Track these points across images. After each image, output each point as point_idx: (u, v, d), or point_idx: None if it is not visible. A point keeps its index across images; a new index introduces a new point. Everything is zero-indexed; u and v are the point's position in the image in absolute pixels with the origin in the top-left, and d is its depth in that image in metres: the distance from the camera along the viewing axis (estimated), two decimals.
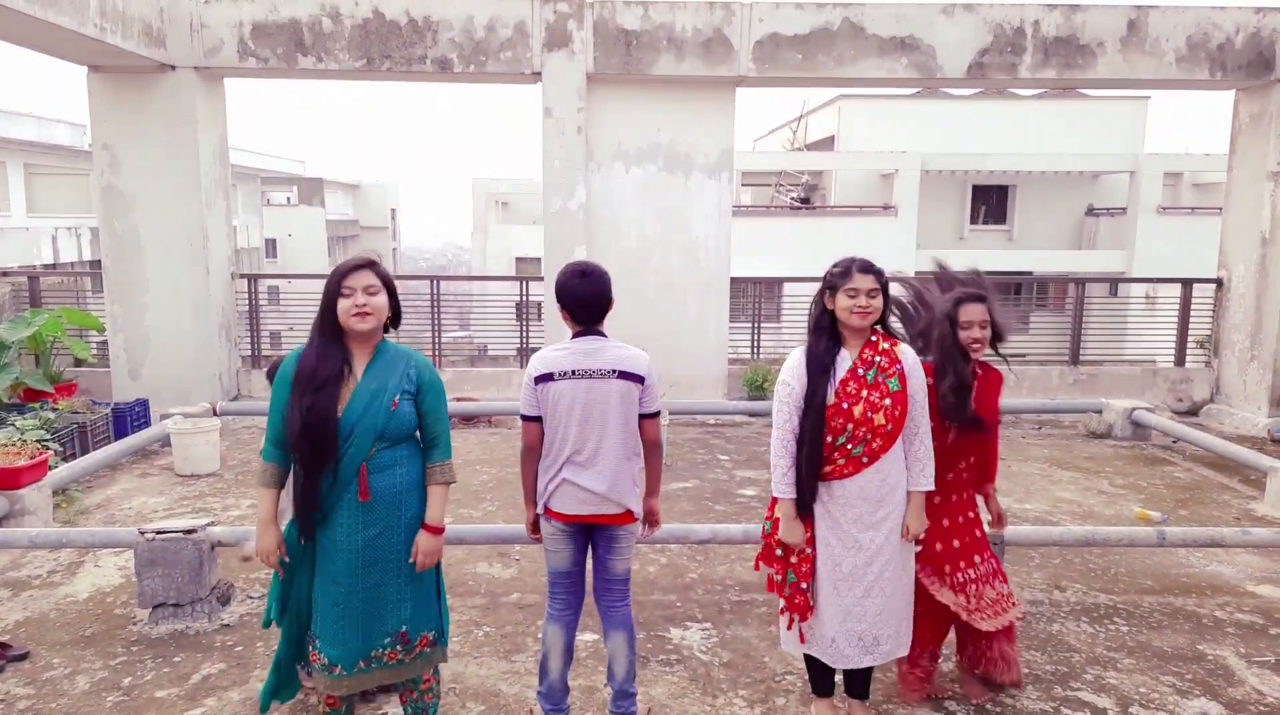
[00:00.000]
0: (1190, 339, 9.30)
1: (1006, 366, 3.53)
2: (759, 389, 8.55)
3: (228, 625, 4.07)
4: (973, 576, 3.29)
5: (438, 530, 2.79)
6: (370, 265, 2.74)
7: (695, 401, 8.17)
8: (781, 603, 3.11)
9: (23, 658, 3.74)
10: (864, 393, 2.90)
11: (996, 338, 3.30)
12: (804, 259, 19.43)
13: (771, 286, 10.71)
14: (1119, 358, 10.17)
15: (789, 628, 3.10)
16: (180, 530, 4.06)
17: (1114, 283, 16.97)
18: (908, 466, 3.02)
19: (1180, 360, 9.28)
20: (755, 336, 9.69)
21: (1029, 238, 25.12)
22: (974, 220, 25.84)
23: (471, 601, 4.35)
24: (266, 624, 2.86)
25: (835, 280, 2.92)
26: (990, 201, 25.81)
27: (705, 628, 4.11)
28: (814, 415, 2.90)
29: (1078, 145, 24.23)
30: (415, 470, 2.80)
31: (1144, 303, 12.16)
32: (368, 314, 2.66)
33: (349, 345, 2.73)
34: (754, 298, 9.91)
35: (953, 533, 3.30)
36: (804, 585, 3.01)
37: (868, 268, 2.91)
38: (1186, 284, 9.30)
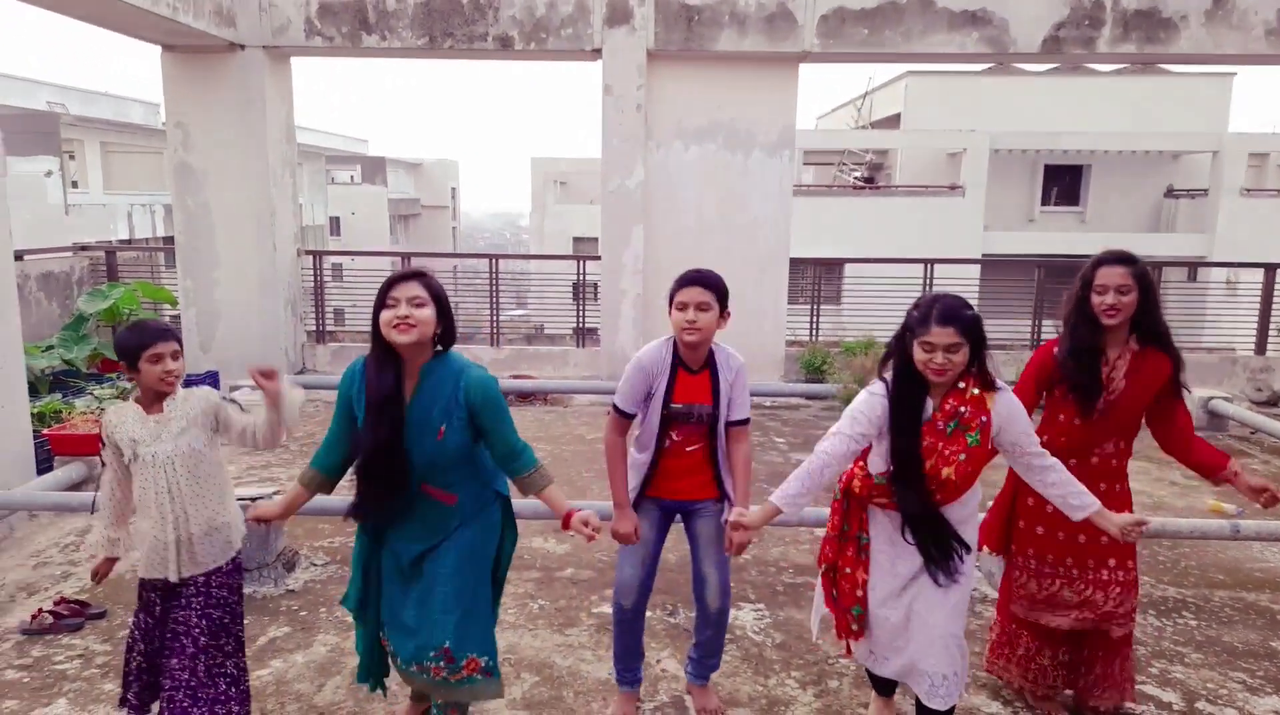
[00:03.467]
0: (1272, 327, 8.94)
1: (1170, 351, 2.98)
2: (817, 371, 8.45)
3: (293, 591, 4.19)
4: (1115, 580, 3.01)
5: (567, 517, 2.68)
6: (419, 277, 2.60)
7: (752, 383, 8.10)
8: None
9: (100, 616, 3.91)
10: (939, 445, 2.59)
11: (1149, 318, 2.93)
12: (867, 240, 19.14)
13: (832, 268, 10.58)
14: (1196, 345, 9.80)
15: (839, 640, 2.95)
16: (248, 498, 4.17)
17: (1193, 267, 16.37)
18: (1064, 492, 2.69)
19: (1261, 348, 8.92)
20: (814, 318, 9.58)
21: (1103, 220, 24.27)
22: (1045, 202, 25.03)
23: (527, 575, 4.40)
24: (344, 601, 2.89)
25: (912, 324, 2.57)
26: (1063, 182, 24.97)
27: (758, 608, 4.10)
28: (911, 470, 2.59)
29: (1157, 124, 23.28)
30: (469, 492, 2.72)
31: (1224, 288, 11.69)
32: (411, 327, 2.51)
33: (401, 360, 2.61)
34: (814, 279, 9.79)
35: (1088, 527, 2.91)
36: (847, 606, 2.83)
37: (949, 317, 2.49)
38: (1270, 269, 8.92)
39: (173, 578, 2.76)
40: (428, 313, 2.55)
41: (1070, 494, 2.69)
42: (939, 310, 2.52)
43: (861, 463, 2.78)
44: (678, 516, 3.13)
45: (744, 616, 4.01)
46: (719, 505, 3.06)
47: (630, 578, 3.03)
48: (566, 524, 2.67)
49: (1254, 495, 2.98)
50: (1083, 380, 2.94)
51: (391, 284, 2.57)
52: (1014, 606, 3.16)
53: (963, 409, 2.58)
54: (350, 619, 3.02)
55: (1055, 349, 3.04)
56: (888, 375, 2.68)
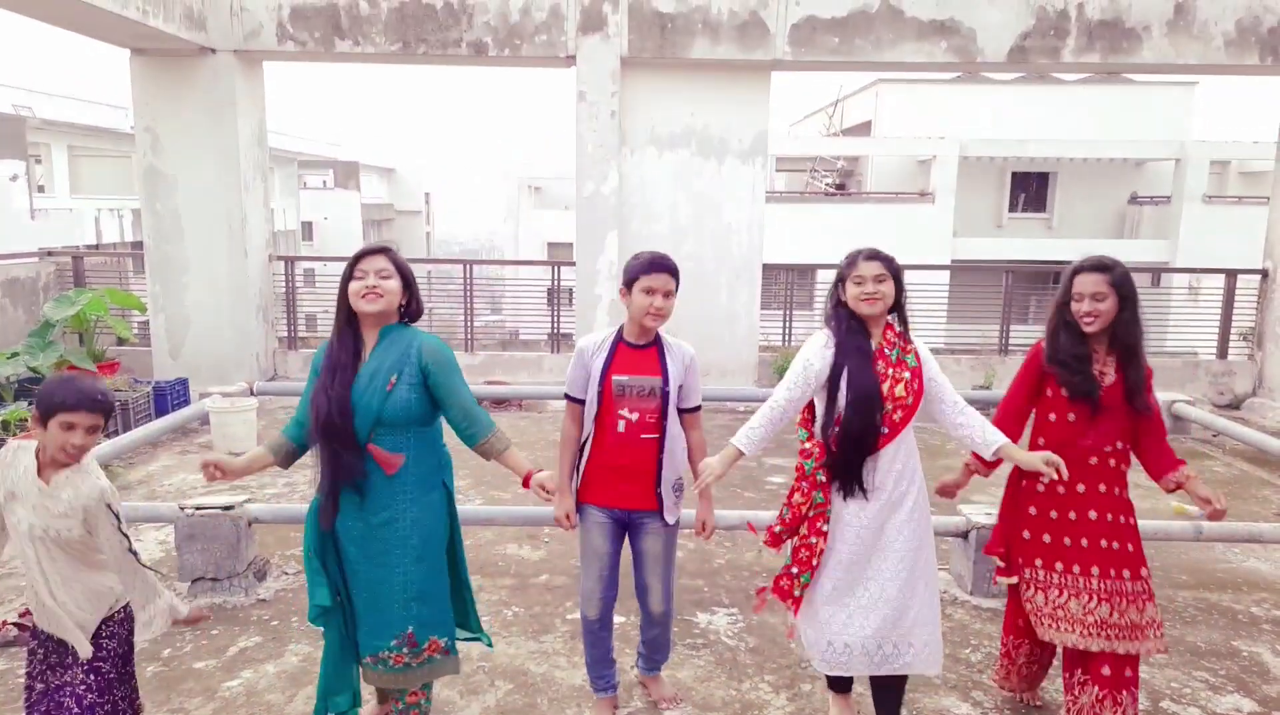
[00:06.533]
0: (1233, 331, 9.12)
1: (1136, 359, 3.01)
2: None
3: (264, 600, 4.16)
4: (1119, 590, 2.94)
5: (526, 477, 2.76)
6: (384, 251, 2.74)
7: (725, 388, 8.16)
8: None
9: None
10: (889, 368, 2.85)
11: (1125, 328, 2.95)
12: (838, 246, 19.26)
13: (804, 273, 10.64)
14: (1159, 350, 9.98)
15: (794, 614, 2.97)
16: (219, 506, 4.15)
17: (1156, 273, 16.67)
18: (973, 430, 2.89)
19: (1223, 353, 9.10)
20: (787, 323, 9.65)
21: (1069, 226, 24.65)
22: (1013, 208, 25.39)
23: (501, 582, 4.40)
24: (310, 618, 2.84)
25: (843, 271, 2.91)
26: (1030, 189, 25.35)
27: (732, 613, 4.13)
28: (865, 400, 2.79)
29: (1121, 132, 23.69)
30: (425, 460, 2.75)
31: (1187, 293, 11.92)
32: (378, 296, 2.66)
33: (363, 331, 2.74)
34: (786, 284, 9.86)
35: (1100, 530, 2.97)
36: (795, 570, 2.90)
37: (874, 255, 2.88)
38: (1231, 275, 9.10)
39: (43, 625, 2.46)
40: (393, 284, 2.70)
41: (978, 429, 2.91)
42: (865, 251, 2.90)
43: (820, 440, 2.92)
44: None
45: (718, 621, 4.03)
46: (661, 522, 3.08)
47: (591, 590, 3.07)
48: (526, 483, 2.77)
49: (1204, 504, 3.04)
50: (1074, 380, 2.95)
51: (359, 257, 2.71)
52: (1021, 623, 3.17)
53: (896, 340, 2.91)
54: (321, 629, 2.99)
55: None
56: (833, 326, 2.94)
